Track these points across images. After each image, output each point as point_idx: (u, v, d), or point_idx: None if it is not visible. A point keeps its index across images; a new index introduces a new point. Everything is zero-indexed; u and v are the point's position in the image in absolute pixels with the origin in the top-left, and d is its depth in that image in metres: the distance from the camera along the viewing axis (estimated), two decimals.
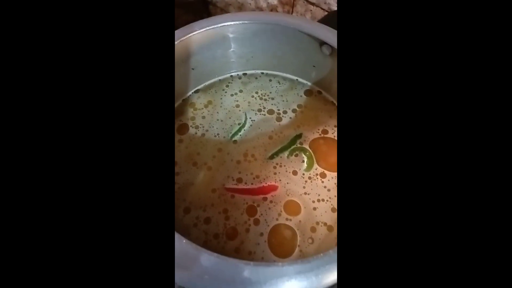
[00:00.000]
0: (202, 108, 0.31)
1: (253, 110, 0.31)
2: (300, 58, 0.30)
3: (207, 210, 0.25)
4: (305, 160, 0.28)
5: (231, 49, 0.30)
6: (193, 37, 0.27)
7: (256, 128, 0.30)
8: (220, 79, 0.33)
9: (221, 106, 0.31)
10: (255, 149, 0.28)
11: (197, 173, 0.27)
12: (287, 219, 0.25)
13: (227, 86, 0.33)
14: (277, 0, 0.41)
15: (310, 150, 0.28)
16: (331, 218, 0.25)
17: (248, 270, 0.16)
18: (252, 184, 0.27)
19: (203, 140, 0.29)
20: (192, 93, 0.32)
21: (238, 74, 0.33)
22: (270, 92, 0.32)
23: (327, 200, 0.26)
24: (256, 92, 0.32)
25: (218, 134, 0.29)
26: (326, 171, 0.27)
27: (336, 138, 0.29)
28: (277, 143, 0.29)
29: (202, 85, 0.32)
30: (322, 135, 0.29)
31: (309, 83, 0.32)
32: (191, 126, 0.30)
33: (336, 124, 0.30)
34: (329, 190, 0.26)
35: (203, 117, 0.30)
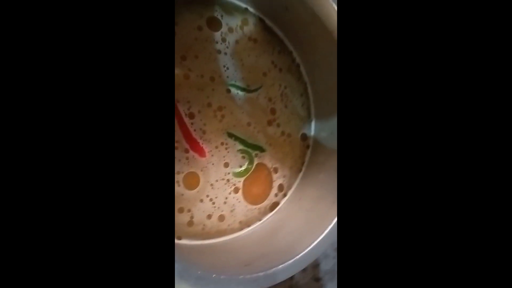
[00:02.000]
0: (244, 37, 0.27)
1: (273, 89, 0.28)
2: None
3: None
4: (242, 169, 0.27)
5: None
6: None
7: (251, 103, 0.27)
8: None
9: (257, 56, 0.27)
10: (230, 115, 0.26)
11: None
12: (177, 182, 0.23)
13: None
14: None
15: (253, 168, 0.27)
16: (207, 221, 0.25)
17: None
18: (195, 131, 0.24)
19: (209, 57, 0.25)
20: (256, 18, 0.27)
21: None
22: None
23: (217, 207, 0.25)
24: (285, 87, 0.29)
25: (226, 69, 0.25)
26: (241, 192, 0.27)
27: (276, 182, 0.29)
28: (247, 132, 0.27)
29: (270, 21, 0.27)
30: (274, 169, 0.29)
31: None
32: (219, 40, 0.25)
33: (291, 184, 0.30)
34: (225, 202, 0.26)
35: (237, 42, 0.26)
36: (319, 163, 0.30)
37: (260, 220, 0.29)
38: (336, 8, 0.21)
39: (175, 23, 0.23)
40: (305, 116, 0.30)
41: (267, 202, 0.29)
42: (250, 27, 0.26)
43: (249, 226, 0.28)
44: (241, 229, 0.28)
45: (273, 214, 0.29)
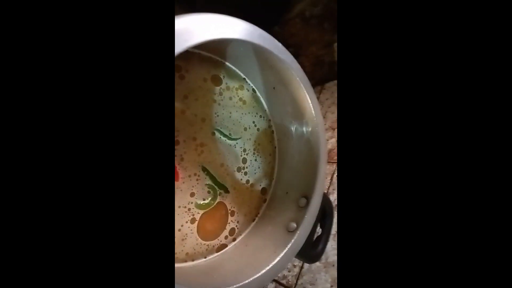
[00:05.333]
0: (236, 92, 0.33)
1: (248, 142, 0.33)
2: None
3: None
4: (204, 202, 0.29)
5: None
6: None
7: (229, 149, 0.32)
8: None
9: (243, 113, 0.33)
10: (208, 153, 0.30)
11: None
12: None
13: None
14: None
15: (214, 205, 0.30)
16: None
17: None
18: (175, 156, 0.27)
19: (206, 103, 0.30)
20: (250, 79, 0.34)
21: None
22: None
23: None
24: (259, 144, 0.35)
25: (216, 116, 0.31)
26: (197, 224, 0.29)
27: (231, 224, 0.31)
28: (218, 171, 0.30)
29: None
30: (231, 212, 0.31)
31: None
32: (217, 92, 0.31)
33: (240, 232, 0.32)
34: (179, 230, 0.28)
35: (230, 98, 0.32)
36: (270, 217, 0.34)
37: (205, 257, 0.30)
38: (309, 99, 0.29)
39: (187, 70, 0.29)
40: (269, 173, 0.35)
41: (216, 242, 0.31)
42: (244, 92, 0.33)
43: (193, 260, 0.29)
44: (185, 261, 0.28)
45: (218, 255, 0.31)
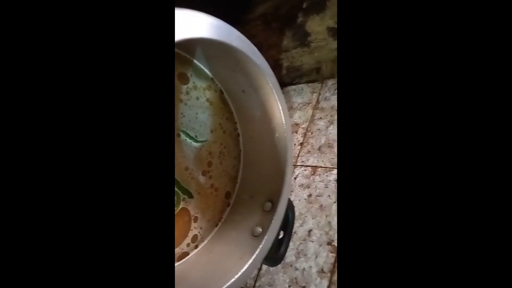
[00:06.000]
0: (204, 91, 0.32)
1: (215, 145, 0.32)
2: None
3: None
4: None
5: None
6: None
7: (194, 152, 0.30)
8: None
9: (210, 115, 0.32)
10: (177, 152, 0.28)
11: None
12: None
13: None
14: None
15: (177, 211, 0.28)
16: None
17: None
18: None
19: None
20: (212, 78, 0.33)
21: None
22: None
23: None
24: (225, 147, 0.34)
25: (182, 116, 0.29)
26: None
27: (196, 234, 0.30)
28: (182, 175, 0.29)
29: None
30: (194, 218, 0.30)
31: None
32: (183, 91, 0.30)
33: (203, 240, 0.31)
34: None
35: (197, 98, 0.31)
36: (235, 222, 0.33)
37: None
38: (279, 105, 0.29)
39: None
40: (233, 177, 0.34)
41: (177, 251, 0.29)
42: (211, 92, 0.32)
43: None
44: None
45: (179, 264, 0.29)
